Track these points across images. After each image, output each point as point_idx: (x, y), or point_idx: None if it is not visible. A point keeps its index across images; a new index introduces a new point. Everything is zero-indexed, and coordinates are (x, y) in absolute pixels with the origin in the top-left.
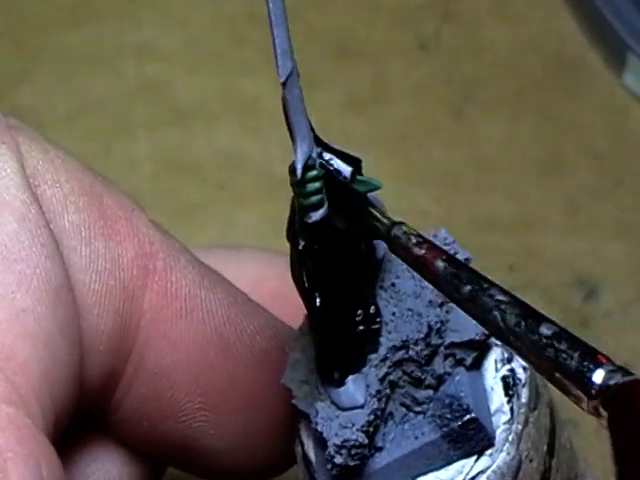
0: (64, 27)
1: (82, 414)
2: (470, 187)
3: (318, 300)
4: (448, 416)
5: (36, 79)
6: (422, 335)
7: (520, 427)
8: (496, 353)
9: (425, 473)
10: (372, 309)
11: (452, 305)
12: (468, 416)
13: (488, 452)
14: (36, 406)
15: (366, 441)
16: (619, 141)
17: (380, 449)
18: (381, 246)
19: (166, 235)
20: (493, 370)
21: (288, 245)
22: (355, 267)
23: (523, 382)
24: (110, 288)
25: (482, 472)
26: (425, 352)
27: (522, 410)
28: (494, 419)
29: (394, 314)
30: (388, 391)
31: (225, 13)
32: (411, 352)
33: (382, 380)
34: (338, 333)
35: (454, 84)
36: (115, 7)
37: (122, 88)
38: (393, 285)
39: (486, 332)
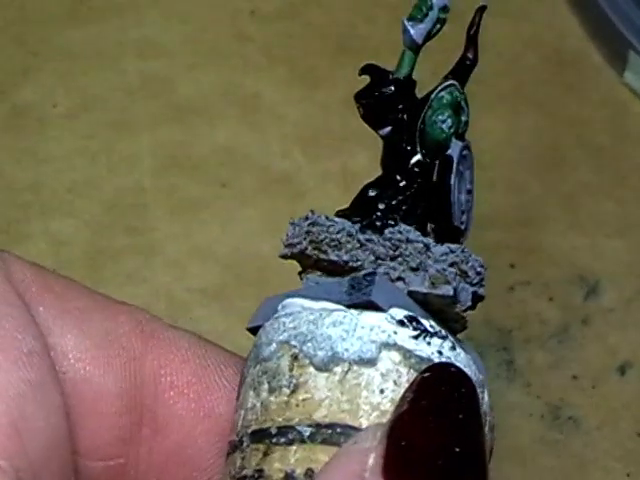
0: (65, 23)
1: None
2: None
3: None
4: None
5: (37, 76)
6: None
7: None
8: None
9: (316, 299)
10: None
11: None
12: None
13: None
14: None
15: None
16: (619, 137)
17: None
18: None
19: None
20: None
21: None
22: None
23: None
24: (109, 352)
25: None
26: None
27: None
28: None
29: None
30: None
31: (226, 9)
32: None
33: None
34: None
35: None
36: (116, 3)
37: (123, 85)
38: None
39: None
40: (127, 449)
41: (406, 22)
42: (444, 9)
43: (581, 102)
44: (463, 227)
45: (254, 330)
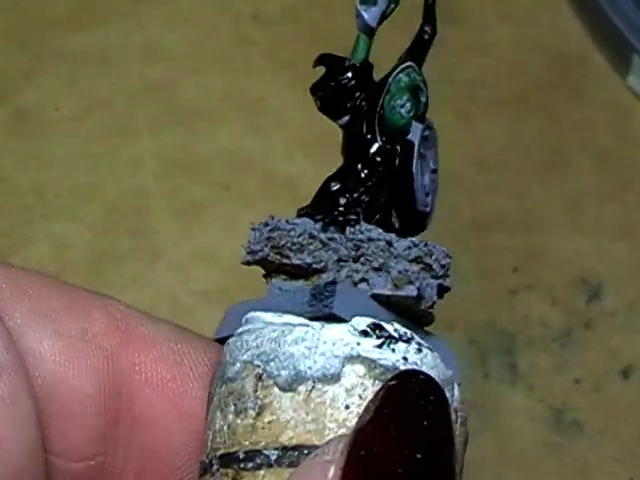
0: (69, 27)
1: None
2: (473, 187)
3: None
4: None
5: (40, 79)
6: None
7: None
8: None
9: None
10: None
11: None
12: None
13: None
14: None
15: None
16: (623, 141)
17: None
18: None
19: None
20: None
21: None
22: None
23: None
24: (85, 352)
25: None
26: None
27: None
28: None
29: None
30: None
31: (229, 13)
32: None
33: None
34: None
35: (458, 84)
36: (119, 7)
37: (126, 88)
38: None
39: None
40: (104, 448)
41: (359, 6)
42: None
43: (585, 106)
44: (428, 209)
45: (222, 340)
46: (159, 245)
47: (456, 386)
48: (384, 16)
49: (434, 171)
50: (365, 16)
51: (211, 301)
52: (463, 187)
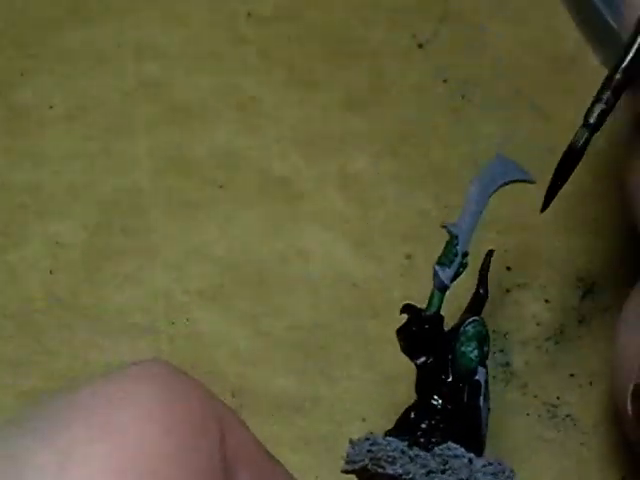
0: (63, 26)
1: None
2: (468, 186)
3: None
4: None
5: (35, 77)
6: None
7: None
8: None
9: None
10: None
11: None
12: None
13: None
14: None
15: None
16: (617, 140)
17: None
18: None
19: None
20: None
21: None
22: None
23: None
24: None
25: None
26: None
27: None
28: None
29: None
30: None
31: (224, 12)
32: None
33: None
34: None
35: (452, 83)
36: (114, 6)
37: (121, 87)
38: None
39: None
40: None
41: (437, 267)
42: (465, 255)
43: (579, 105)
44: (484, 437)
45: None
46: (154, 244)
47: None
48: (455, 277)
49: (488, 408)
50: (441, 275)
51: (206, 300)
52: (458, 186)
